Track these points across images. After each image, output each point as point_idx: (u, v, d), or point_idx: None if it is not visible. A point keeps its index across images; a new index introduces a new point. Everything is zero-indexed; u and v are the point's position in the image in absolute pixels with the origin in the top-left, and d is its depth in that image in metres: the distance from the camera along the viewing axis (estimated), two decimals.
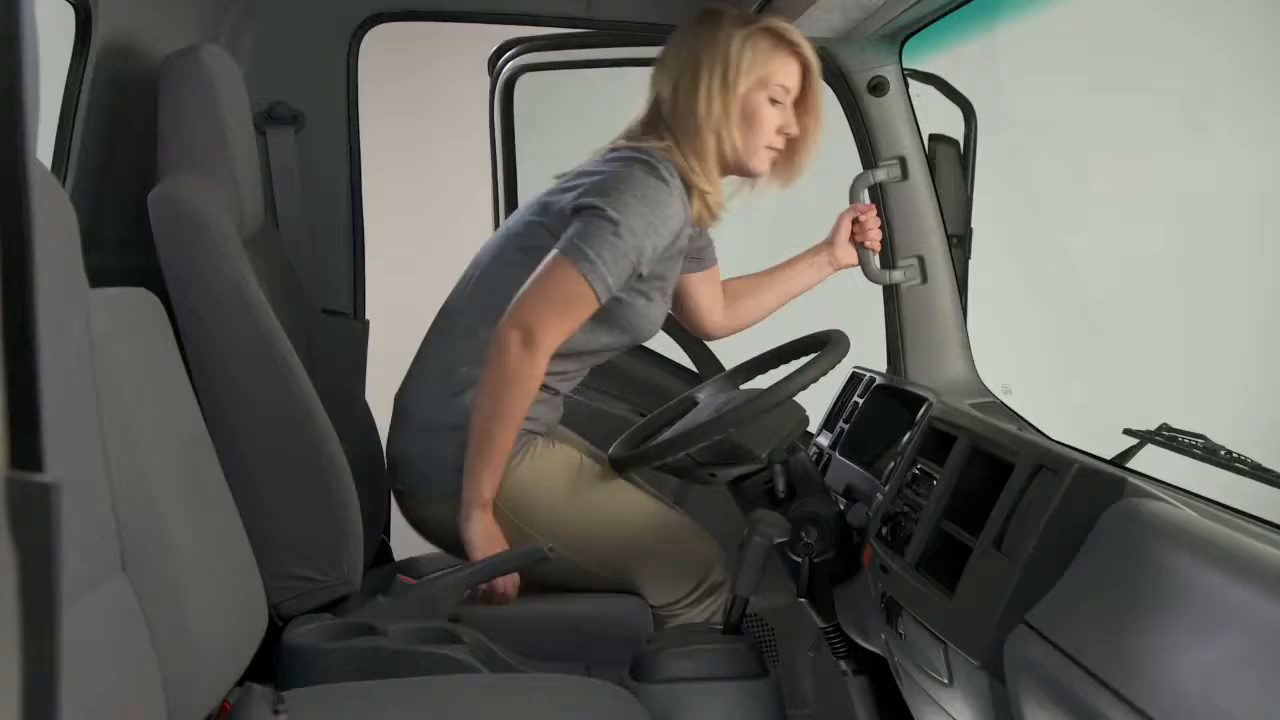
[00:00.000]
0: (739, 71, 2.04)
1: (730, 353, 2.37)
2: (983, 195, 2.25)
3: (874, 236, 2.21)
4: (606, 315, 2.06)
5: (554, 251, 1.99)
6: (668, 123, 2.08)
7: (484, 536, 2.01)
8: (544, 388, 2.07)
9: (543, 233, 2.06)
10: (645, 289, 2.07)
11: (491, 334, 2.00)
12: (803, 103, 2.11)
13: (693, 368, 2.68)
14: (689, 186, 2.06)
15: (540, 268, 2.00)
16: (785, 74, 2.07)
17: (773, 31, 2.06)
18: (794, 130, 2.10)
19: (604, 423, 2.59)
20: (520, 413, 1.99)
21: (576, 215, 2.01)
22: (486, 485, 2.01)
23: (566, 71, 2.84)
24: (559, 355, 2.04)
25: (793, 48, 2.07)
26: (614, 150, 2.09)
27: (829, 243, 2.29)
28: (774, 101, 2.07)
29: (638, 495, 2.14)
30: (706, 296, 2.36)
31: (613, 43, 2.54)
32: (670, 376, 2.68)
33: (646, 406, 2.56)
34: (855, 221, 2.24)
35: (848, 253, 2.27)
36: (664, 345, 2.72)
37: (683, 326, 2.56)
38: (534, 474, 2.06)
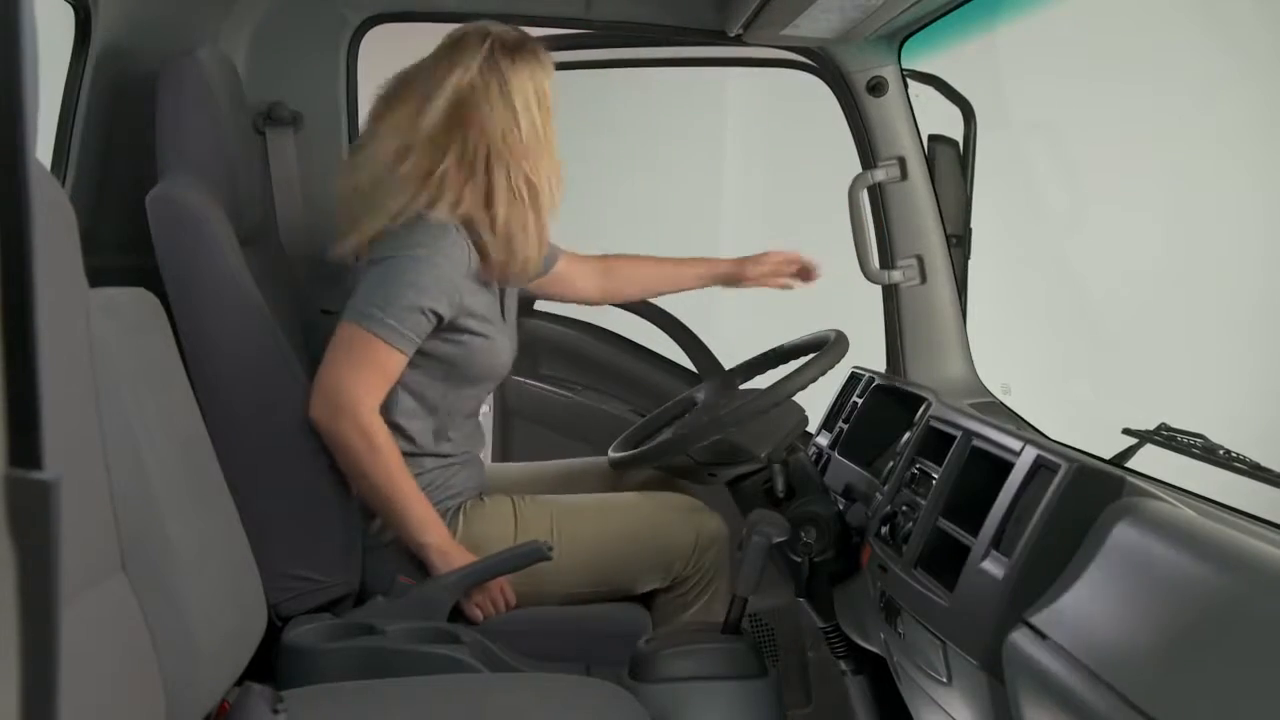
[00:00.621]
0: (548, 102, 2.01)
1: (730, 353, 2.37)
2: (983, 195, 2.25)
3: (791, 283, 2.31)
4: (451, 369, 2.00)
5: (344, 320, 1.92)
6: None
7: (448, 564, 1.96)
8: (444, 455, 2.03)
9: None
10: (476, 328, 1.99)
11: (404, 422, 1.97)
12: None
13: (692, 368, 2.68)
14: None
15: (332, 341, 1.92)
16: None
17: None
18: None
19: (604, 422, 2.59)
20: (390, 466, 1.91)
21: (358, 277, 1.96)
22: (424, 534, 1.95)
23: (565, 72, 2.84)
24: (436, 418, 2.01)
25: None
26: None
27: (743, 262, 2.32)
28: None
29: (588, 502, 2.13)
30: (567, 279, 2.32)
31: (612, 44, 2.54)
32: (670, 377, 2.68)
33: (646, 407, 2.56)
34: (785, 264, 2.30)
35: (753, 280, 2.32)
36: (664, 346, 2.72)
37: (684, 327, 2.56)
38: (474, 539, 2.02)
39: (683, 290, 2.38)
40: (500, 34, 1.98)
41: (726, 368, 2.32)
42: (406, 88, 2.00)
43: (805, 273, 2.33)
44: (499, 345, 2.04)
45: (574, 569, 2.05)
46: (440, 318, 1.93)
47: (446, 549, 1.96)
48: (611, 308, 2.57)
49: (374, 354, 1.89)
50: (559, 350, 2.71)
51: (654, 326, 2.69)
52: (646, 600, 2.15)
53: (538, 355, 2.72)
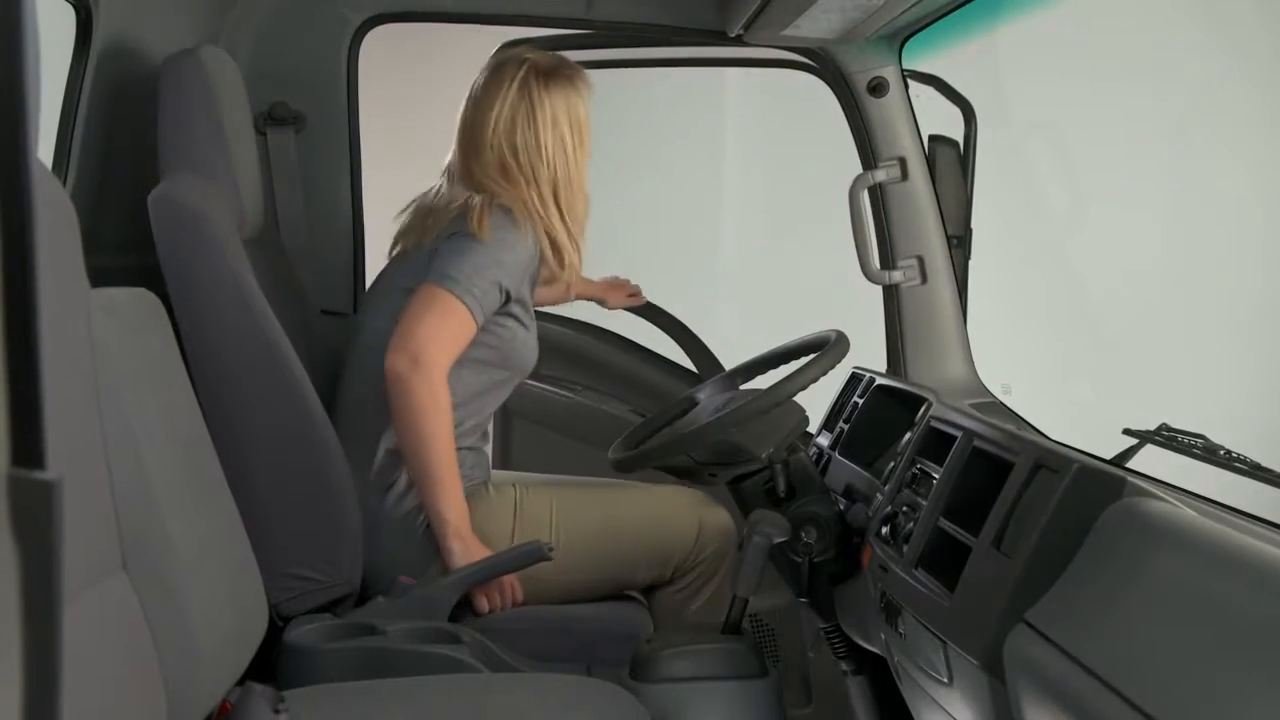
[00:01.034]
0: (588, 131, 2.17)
1: (730, 353, 2.37)
2: (983, 196, 2.25)
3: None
4: (491, 353, 2.06)
5: (422, 283, 2.01)
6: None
7: (466, 559, 1.98)
8: (457, 444, 2.05)
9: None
10: (517, 314, 2.08)
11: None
12: None
13: (693, 368, 2.68)
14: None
15: (412, 301, 2.00)
16: None
17: None
18: None
19: (603, 423, 2.59)
20: (445, 433, 1.96)
21: (434, 254, 2.04)
22: (448, 510, 1.98)
23: None
24: (463, 409, 2.04)
25: None
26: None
27: (606, 290, 2.56)
28: None
29: (591, 491, 2.16)
30: None
31: (612, 44, 2.54)
32: (670, 377, 2.68)
33: (645, 407, 2.56)
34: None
35: (614, 306, 2.58)
36: (664, 346, 2.72)
37: (685, 327, 2.57)
38: (477, 525, 2.02)
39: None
40: (535, 60, 2.12)
41: (727, 368, 2.31)
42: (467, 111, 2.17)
43: (634, 296, 2.59)
44: (533, 341, 2.14)
45: (574, 557, 2.06)
46: (508, 296, 2.03)
47: (463, 532, 1.98)
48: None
49: (455, 318, 1.98)
50: (559, 350, 2.71)
51: (654, 327, 2.70)
52: (647, 595, 2.15)
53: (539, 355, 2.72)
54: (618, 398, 2.70)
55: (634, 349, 2.75)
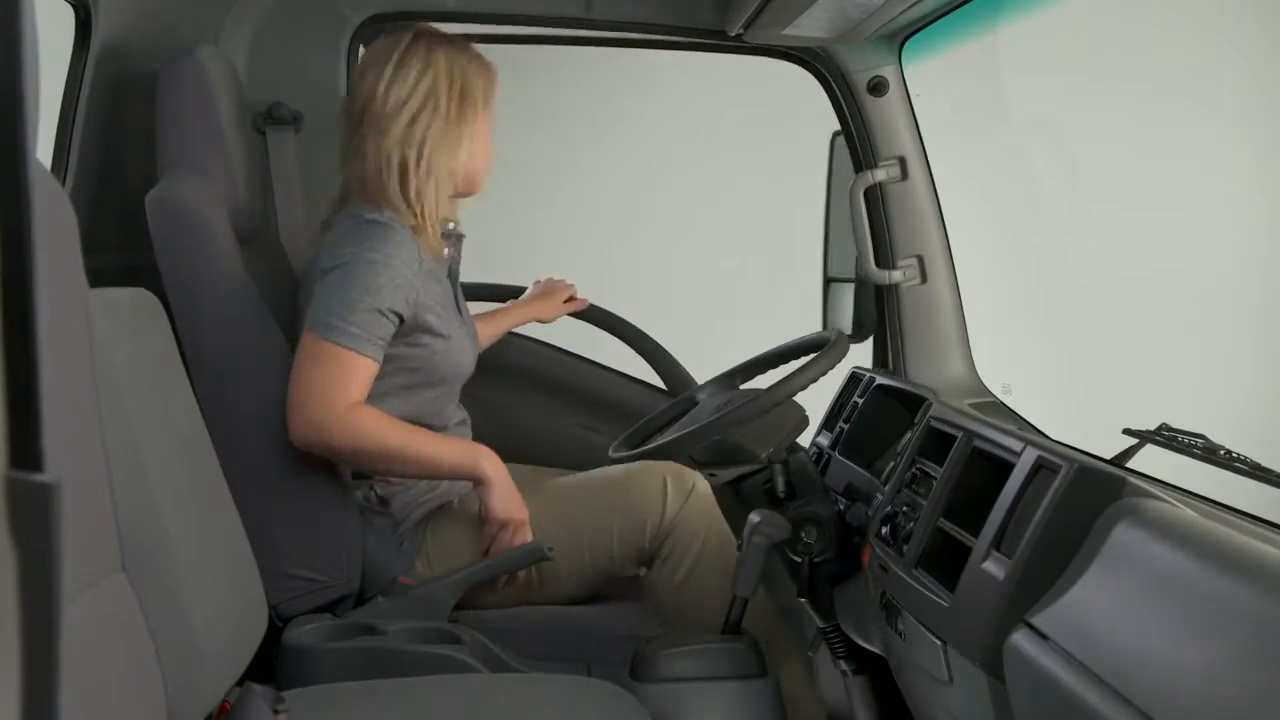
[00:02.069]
0: (480, 98, 2.06)
1: (730, 353, 2.36)
2: (983, 196, 2.25)
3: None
4: (412, 374, 2.00)
5: (306, 331, 1.90)
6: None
7: (503, 502, 1.97)
8: None
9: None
10: (429, 326, 1.99)
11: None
12: None
13: (660, 384, 2.63)
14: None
15: (297, 355, 1.90)
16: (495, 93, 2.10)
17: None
18: None
19: (564, 443, 2.54)
20: (395, 438, 1.91)
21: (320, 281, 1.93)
22: (471, 465, 1.96)
23: (568, 73, 2.83)
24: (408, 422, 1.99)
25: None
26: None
27: (532, 305, 2.45)
28: None
29: (557, 483, 2.14)
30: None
31: (612, 44, 2.54)
32: (640, 393, 2.62)
33: (607, 429, 2.48)
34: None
35: (551, 317, 2.48)
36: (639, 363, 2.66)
37: (650, 339, 2.54)
38: (448, 543, 2.02)
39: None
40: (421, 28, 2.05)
41: (725, 370, 2.30)
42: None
43: (574, 301, 2.50)
44: (457, 345, 2.04)
45: (555, 550, 2.04)
46: (401, 318, 1.93)
47: (497, 465, 1.98)
48: (578, 321, 2.55)
49: (344, 365, 1.87)
50: (512, 370, 2.61)
51: (618, 340, 2.62)
52: (641, 588, 2.14)
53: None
54: (577, 418, 2.63)
55: (593, 367, 2.66)
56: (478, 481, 1.99)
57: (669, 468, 2.13)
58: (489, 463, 1.99)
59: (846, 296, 2.33)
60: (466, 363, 2.08)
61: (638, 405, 2.42)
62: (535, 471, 2.28)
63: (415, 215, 1.98)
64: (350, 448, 1.89)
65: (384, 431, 1.90)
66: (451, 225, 2.12)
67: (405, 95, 1.99)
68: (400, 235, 1.94)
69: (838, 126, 2.30)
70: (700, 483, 2.13)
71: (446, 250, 2.09)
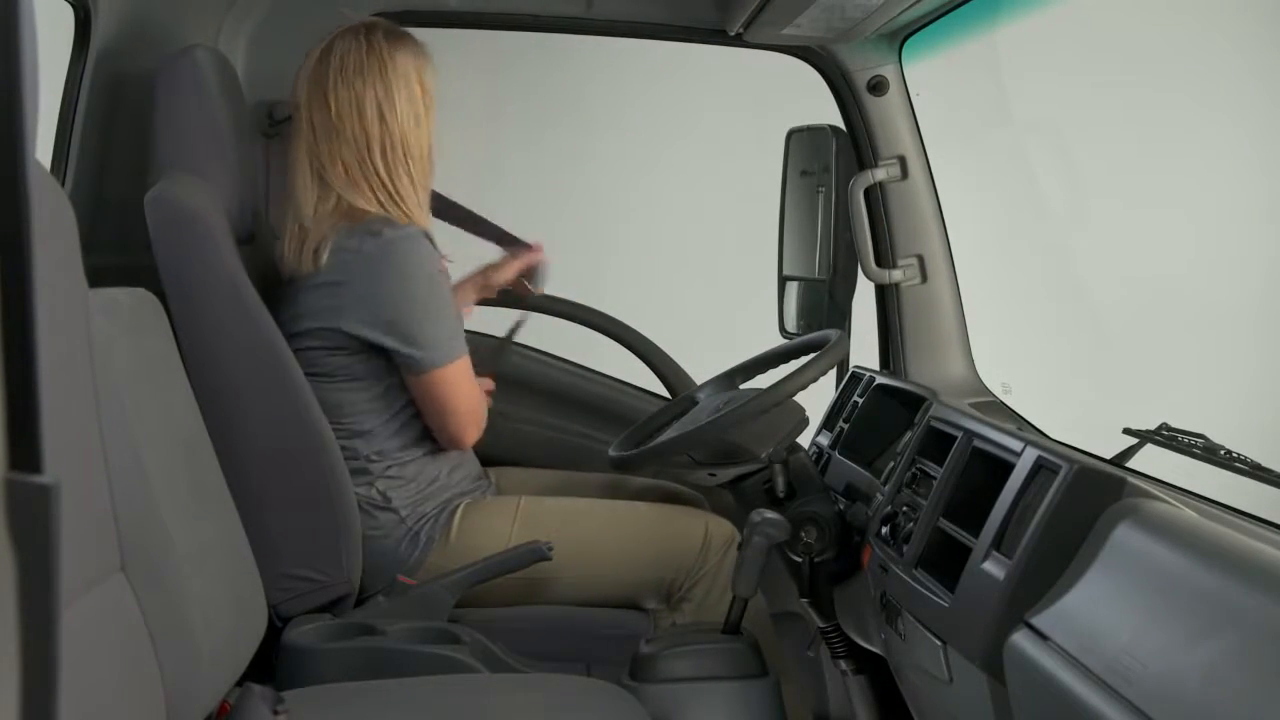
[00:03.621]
0: (431, 100, 2.05)
1: (730, 353, 2.36)
2: (985, 196, 2.25)
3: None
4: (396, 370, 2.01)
5: (417, 374, 1.97)
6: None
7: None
8: (433, 453, 2.06)
9: (327, 355, 1.99)
10: None
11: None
12: None
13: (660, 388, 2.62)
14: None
15: (420, 396, 1.99)
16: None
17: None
18: None
19: (576, 450, 2.53)
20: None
21: (390, 330, 1.94)
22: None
23: (569, 75, 2.83)
24: (398, 433, 2.02)
25: None
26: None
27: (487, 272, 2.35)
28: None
29: (593, 508, 2.13)
30: None
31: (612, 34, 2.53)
32: (638, 400, 2.61)
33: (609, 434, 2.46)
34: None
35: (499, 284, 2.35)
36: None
37: (650, 342, 2.53)
38: (475, 537, 2.02)
39: None
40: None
41: (724, 371, 2.30)
42: None
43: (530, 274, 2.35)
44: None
45: (571, 575, 2.05)
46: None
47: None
48: (578, 328, 2.54)
49: (462, 379, 2.01)
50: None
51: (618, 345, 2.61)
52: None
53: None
54: (578, 426, 2.61)
55: (594, 375, 2.64)
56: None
57: (710, 516, 2.14)
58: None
59: (803, 295, 2.32)
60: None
61: (639, 413, 2.41)
62: (567, 481, 2.29)
63: (405, 217, 2.00)
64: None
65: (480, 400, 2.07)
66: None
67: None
68: (425, 242, 1.97)
69: (810, 123, 2.29)
70: (725, 530, 2.13)
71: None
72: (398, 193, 1.99)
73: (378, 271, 1.93)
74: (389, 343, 1.95)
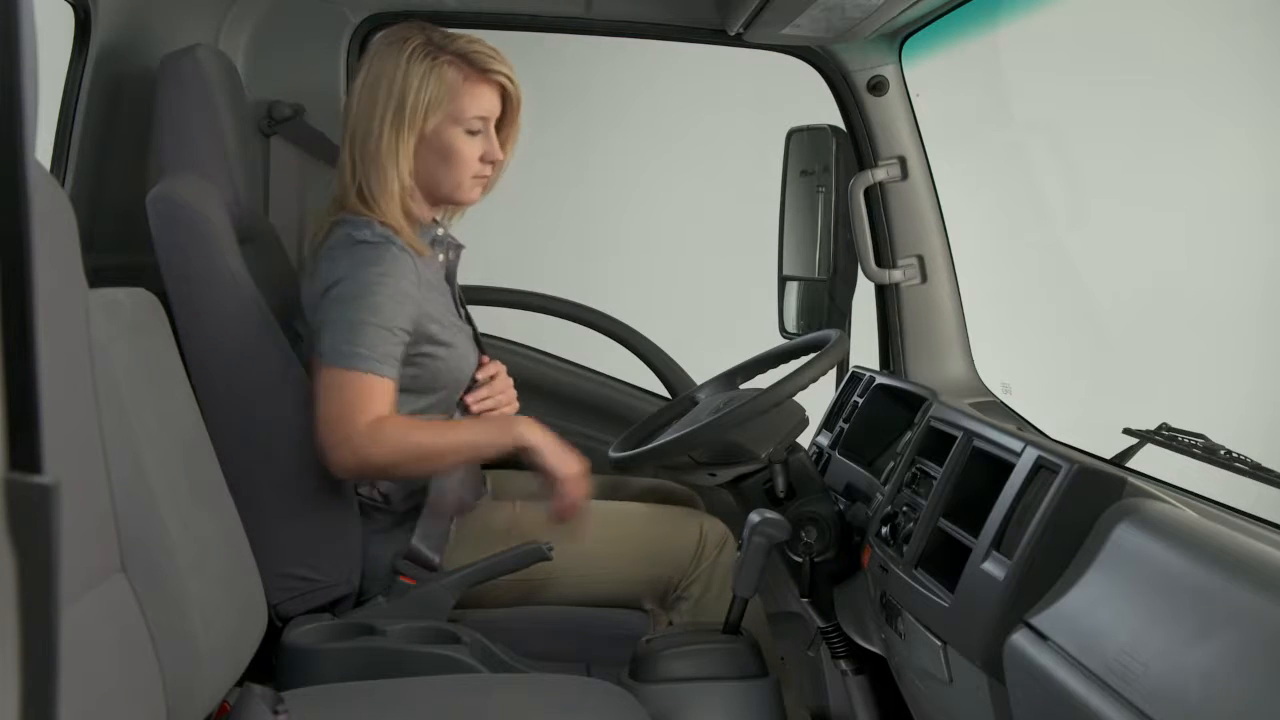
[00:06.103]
0: (422, 109, 1.98)
1: (730, 353, 2.36)
2: (984, 196, 2.25)
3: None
4: (413, 380, 1.97)
5: (321, 365, 1.88)
6: (357, 160, 2.00)
7: (558, 459, 1.95)
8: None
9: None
10: (432, 335, 1.97)
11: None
12: (504, 126, 2.08)
13: (660, 388, 2.62)
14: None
15: (317, 387, 1.88)
16: (479, 105, 2.01)
17: (461, 62, 2.00)
18: (499, 156, 2.05)
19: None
20: (429, 444, 1.90)
21: (314, 312, 1.92)
22: (507, 437, 1.93)
23: (574, 74, 2.82)
24: None
25: (484, 76, 2.01)
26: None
27: None
28: (472, 132, 2.01)
29: (591, 507, 2.09)
30: None
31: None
32: (639, 401, 2.61)
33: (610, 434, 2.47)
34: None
35: None
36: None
37: (651, 343, 2.52)
38: (474, 541, 2.01)
39: None
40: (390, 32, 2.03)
41: (724, 371, 2.30)
42: None
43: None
44: (460, 351, 2.03)
45: (570, 576, 2.05)
46: (406, 333, 1.92)
47: (537, 428, 1.95)
48: (578, 328, 2.53)
49: (365, 389, 1.86)
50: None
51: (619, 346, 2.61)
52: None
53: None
54: (578, 426, 2.61)
55: (594, 375, 2.64)
56: (525, 450, 1.95)
57: (705, 517, 2.14)
58: (528, 429, 1.96)
59: (803, 295, 2.32)
60: (468, 368, 2.06)
61: (639, 413, 2.42)
62: None
63: (381, 218, 1.97)
64: (389, 460, 1.87)
65: (412, 434, 1.89)
66: (441, 230, 2.10)
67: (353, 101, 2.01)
68: (392, 251, 1.92)
69: (810, 123, 2.29)
70: (721, 533, 2.13)
71: (441, 256, 2.08)
72: (372, 194, 1.97)
73: (334, 267, 1.92)
74: (309, 321, 1.93)
